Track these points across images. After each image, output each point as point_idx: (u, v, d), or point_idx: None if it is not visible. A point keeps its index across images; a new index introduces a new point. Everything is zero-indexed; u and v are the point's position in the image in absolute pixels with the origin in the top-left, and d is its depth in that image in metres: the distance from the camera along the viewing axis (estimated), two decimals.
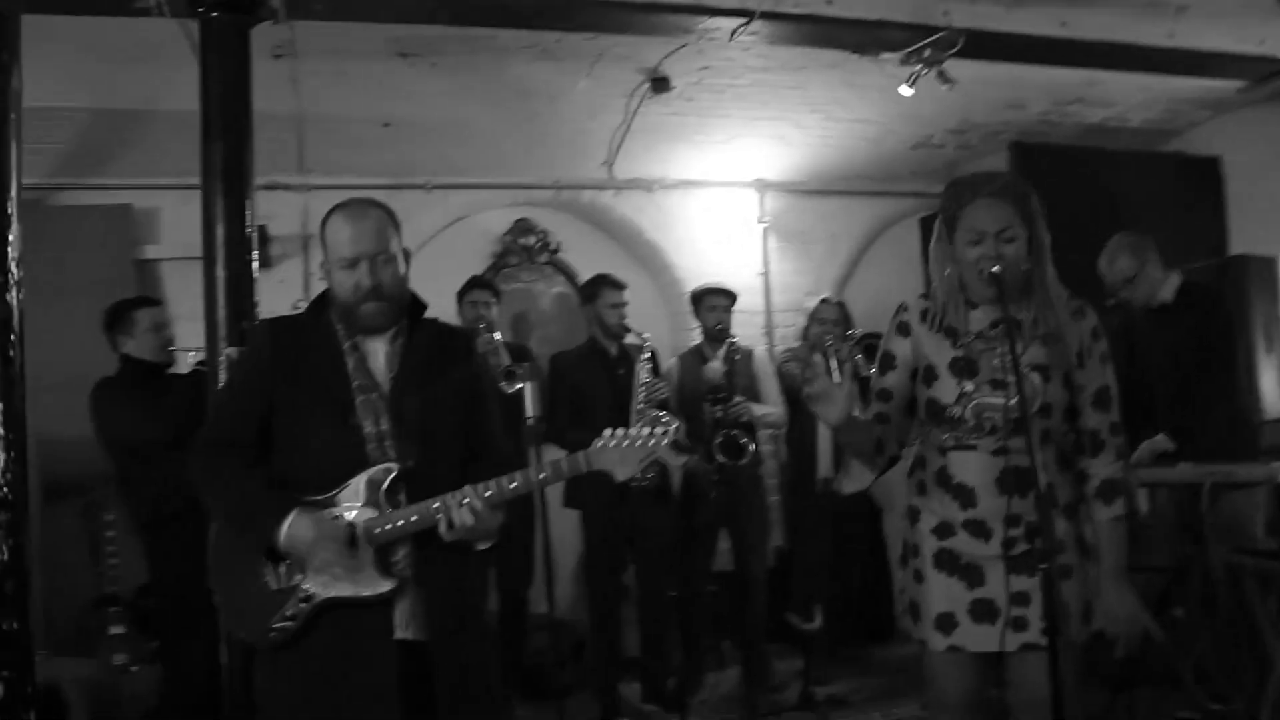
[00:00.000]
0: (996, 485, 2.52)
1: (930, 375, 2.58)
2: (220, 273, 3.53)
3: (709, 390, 4.97)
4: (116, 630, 4.35)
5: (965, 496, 2.55)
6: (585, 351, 5.04)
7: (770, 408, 5.21)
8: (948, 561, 2.57)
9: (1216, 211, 6.19)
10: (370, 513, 2.34)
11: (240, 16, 3.68)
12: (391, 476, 2.36)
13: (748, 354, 5.29)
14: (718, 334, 5.23)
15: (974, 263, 2.49)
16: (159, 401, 4.12)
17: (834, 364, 5.28)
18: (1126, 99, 5.90)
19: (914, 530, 2.67)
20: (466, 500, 2.30)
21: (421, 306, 2.59)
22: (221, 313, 3.47)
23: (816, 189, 6.77)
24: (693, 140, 6.02)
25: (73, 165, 5.48)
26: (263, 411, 2.42)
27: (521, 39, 4.51)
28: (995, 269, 2.42)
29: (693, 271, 6.41)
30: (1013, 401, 2.45)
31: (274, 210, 5.71)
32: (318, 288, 2.58)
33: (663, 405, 4.84)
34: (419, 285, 5.87)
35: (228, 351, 3.40)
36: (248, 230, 3.63)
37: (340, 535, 2.31)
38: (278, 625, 2.33)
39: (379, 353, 2.47)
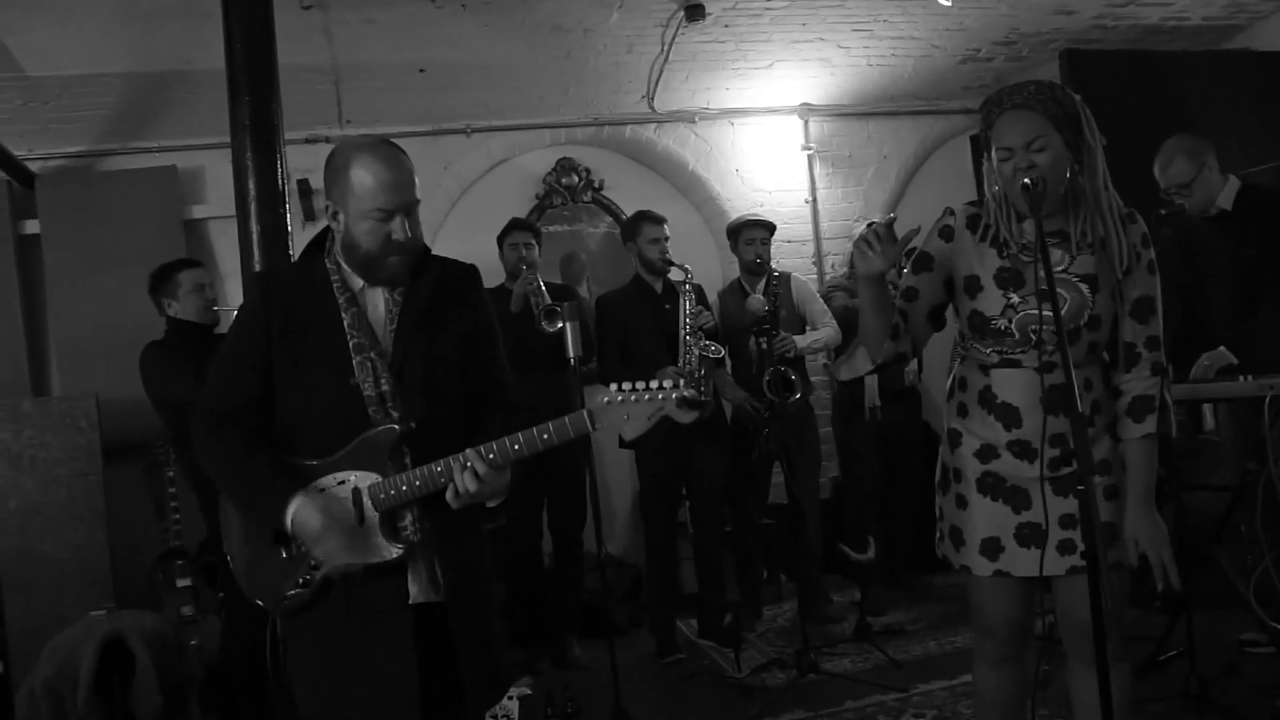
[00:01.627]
0: (1042, 404, 2.45)
1: (974, 286, 2.51)
2: (254, 227, 3.54)
3: (752, 324, 4.92)
4: (183, 583, 4.46)
5: (1010, 416, 2.49)
6: (630, 289, 5.01)
7: (818, 333, 5.16)
8: (992, 485, 2.52)
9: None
10: (373, 477, 2.27)
11: None
12: (394, 438, 2.27)
13: (786, 279, 5.24)
14: (757, 267, 5.18)
15: (1010, 177, 2.41)
16: (206, 361, 4.18)
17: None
18: None
19: (955, 454, 2.60)
20: (469, 465, 2.21)
21: (425, 250, 2.47)
22: (258, 268, 3.49)
23: (863, 111, 6.64)
24: (733, 68, 5.91)
25: (118, 130, 5.54)
26: (262, 371, 2.32)
27: None
28: (1027, 181, 2.33)
29: (738, 202, 6.37)
30: (1059, 312, 2.36)
31: (317, 163, 5.69)
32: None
33: (711, 335, 4.82)
34: (462, 230, 5.91)
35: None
36: (281, 184, 3.64)
37: (348, 512, 2.26)
38: (291, 593, 2.29)
39: (378, 303, 2.37)
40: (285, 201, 3.70)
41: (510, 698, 3.78)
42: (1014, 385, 2.49)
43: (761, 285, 5.11)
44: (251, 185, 3.59)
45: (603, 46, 5.41)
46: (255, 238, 3.53)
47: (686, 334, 4.75)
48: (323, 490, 2.28)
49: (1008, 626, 2.58)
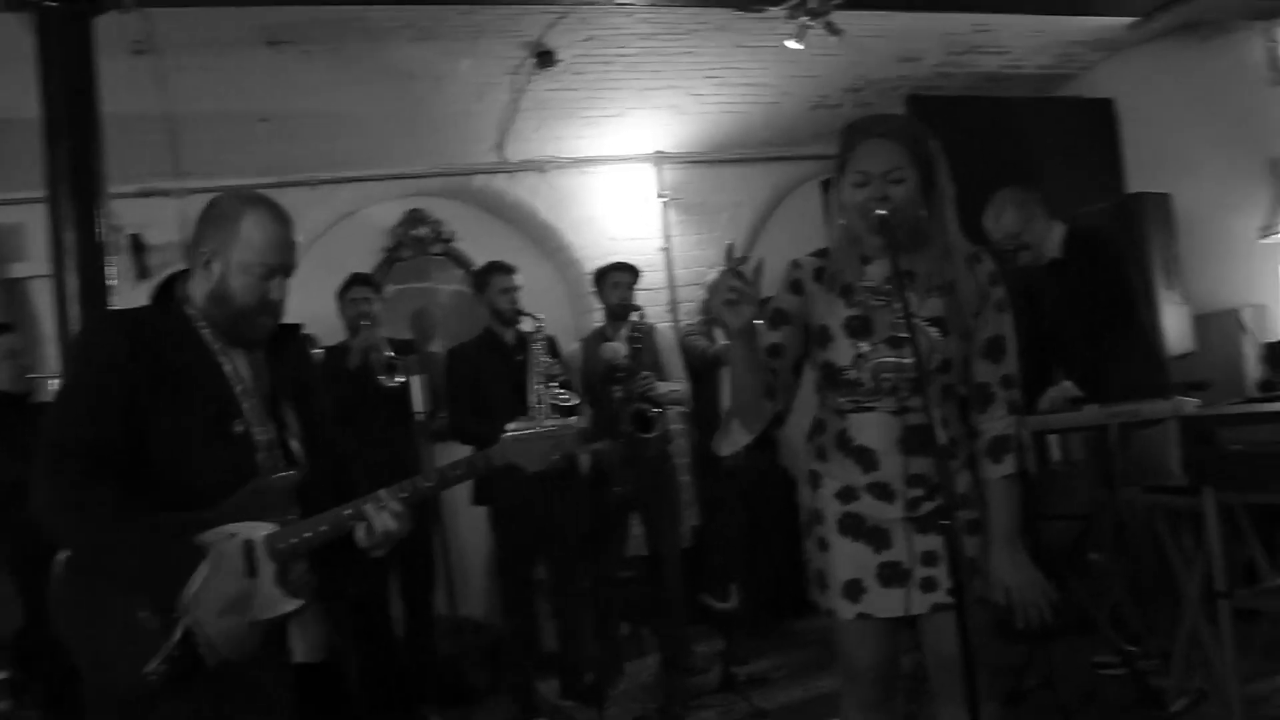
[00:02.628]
0: (898, 446, 2.44)
1: (824, 337, 2.49)
2: (72, 283, 3.32)
3: (609, 370, 4.88)
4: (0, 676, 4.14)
5: (867, 459, 2.47)
6: (482, 342, 4.91)
7: (675, 385, 5.15)
8: (853, 526, 2.49)
9: (1113, 152, 6.24)
10: (266, 527, 2.13)
11: (80, 4, 3.47)
12: (292, 484, 2.21)
13: (650, 331, 5.21)
14: (621, 311, 5.14)
15: (861, 206, 2.39)
16: (20, 432, 3.90)
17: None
18: (1019, 44, 5.93)
19: (816, 496, 2.57)
20: (385, 505, 2.16)
21: None
22: (76, 327, 3.27)
23: (716, 159, 6.69)
24: (585, 116, 5.91)
25: None
26: (125, 416, 2.10)
27: (394, 17, 4.37)
28: (881, 212, 2.33)
29: (592, 251, 6.32)
30: (910, 360, 2.38)
31: (150, 217, 5.50)
32: None
33: (564, 385, 4.75)
34: (308, 285, 5.71)
35: None
36: (100, 237, 3.43)
37: (236, 567, 2.09)
38: (156, 668, 2.03)
39: (241, 360, 2.28)
40: (107, 256, 3.49)
41: None
42: (870, 428, 2.47)
43: (624, 331, 5.07)
44: (69, 238, 3.36)
45: (453, 94, 5.35)
46: (72, 294, 3.30)
47: (538, 384, 4.67)
48: (208, 545, 2.11)
49: (874, 669, 2.54)
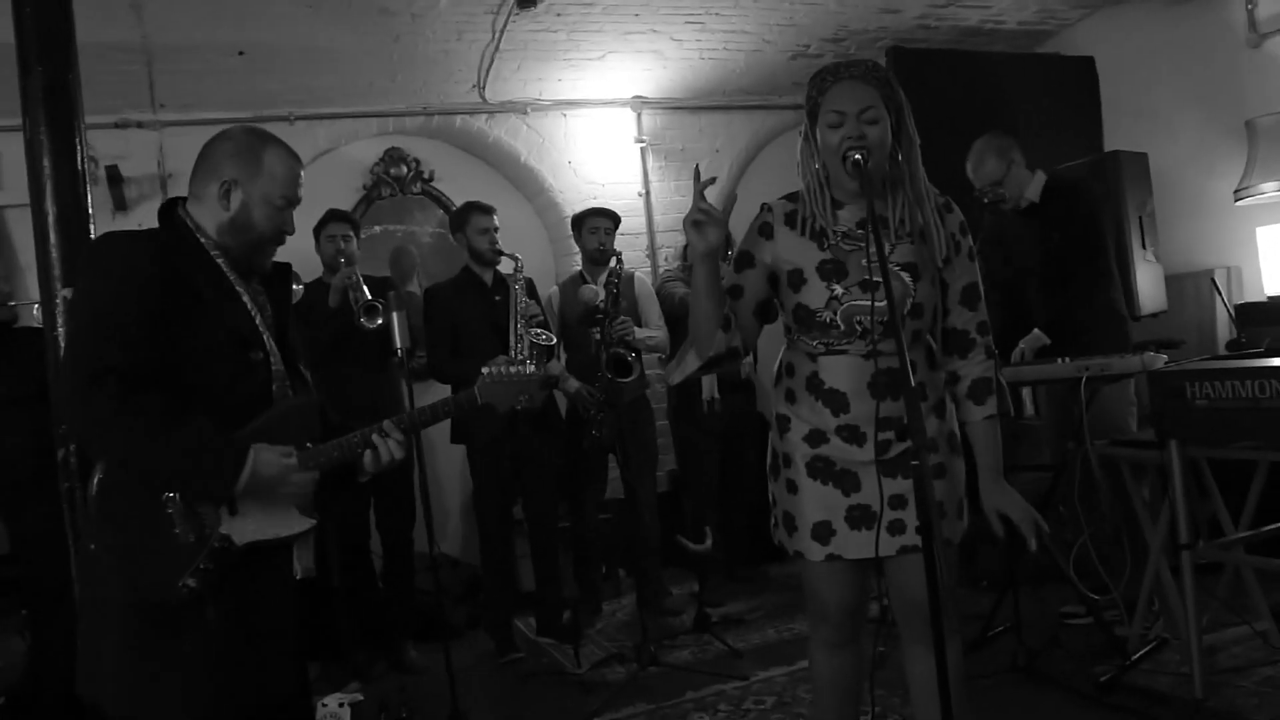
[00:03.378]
0: (869, 389, 2.47)
1: (797, 280, 2.51)
2: (50, 209, 3.28)
3: (587, 312, 4.88)
4: None
5: (837, 402, 2.50)
6: (460, 281, 4.91)
7: (653, 331, 5.16)
8: (822, 469, 2.53)
9: (1092, 111, 6.25)
10: (284, 449, 2.23)
11: None
12: (317, 407, 2.36)
13: (629, 277, 5.22)
14: (600, 256, 5.15)
15: (836, 147, 2.40)
16: (2, 359, 3.91)
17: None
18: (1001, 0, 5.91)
19: (784, 440, 2.60)
20: (389, 434, 2.35)
21: None
22: (55, 254, 3.24)
23: (696, 105, 6.68)
24: (566, 59, 5.85)
25: None
26: (152, 335, 2.12)
27: None
28: (857, 156, 2.35)
29: (572, 194, 6.34)
30: (881, 303, 2.40)
31: (128, 149, 5.45)
32: None
33: (542, 325, 4.76)
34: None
35: (64, 293, 3.18)
36: (81, 165, 3.39)
37: (277, 469, 2.21)
38: (189, 581, 2.13)
39: (251, 289, 2.37)
40: (86, 185, 3.44)
41: (341, 704, 3.63)
42: (841, 371, 2.50)
43: (603, 276, 5.07)
44: (46, 164, 3.31)
45: (431, 33, 5.28)
46: (51, 221, 3.26)
47: (518, 324, 4.67)
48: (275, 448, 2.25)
49: (842, 610, 2.60)
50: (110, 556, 2.16)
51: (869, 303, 2.44)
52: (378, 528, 4.81)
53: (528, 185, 6.46)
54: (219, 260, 2.29)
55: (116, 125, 5.30)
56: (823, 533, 2.53)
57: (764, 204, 2.58)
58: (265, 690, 2.25)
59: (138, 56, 5.01)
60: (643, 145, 6.58)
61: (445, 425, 4.81)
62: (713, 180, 2.36)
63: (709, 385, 5.37)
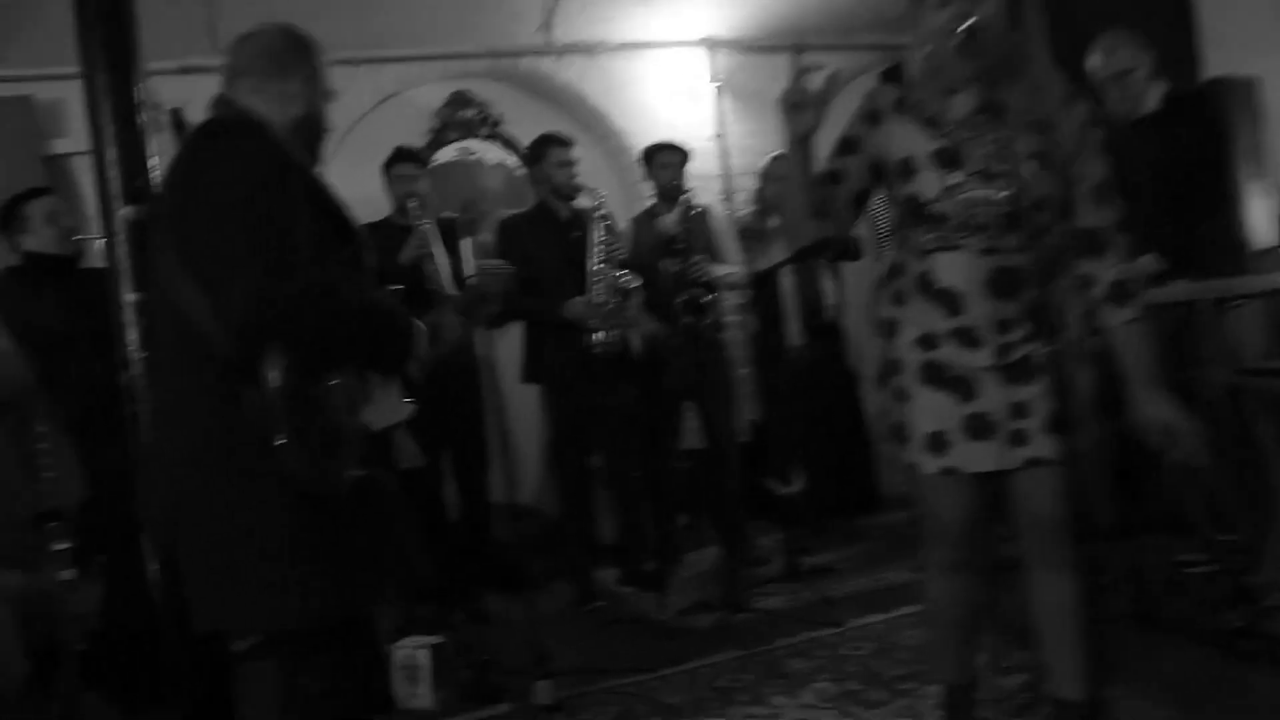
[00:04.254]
0: (986, 288, 2.27)
1: (907, 169, 2.31)
2: (111, 156, 3.13)
3: (664, 243, 4.66)
4: (60, 546, 4.06)
5: (951, 302, 2.30)
6: (534, 215, 4.74)
7: (730, 266, 4.95)
8: (935, 375, 2.33)
9: (1186, 34, 5.88)
10: None
11: None
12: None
13: (703, 212, 5.02)
14: (672, 192, 4.95)
15: (944, 28, 2.19)
16: (71, 294, 3.81)
17: None
18: None
19: (892, 345, 2.41)
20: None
21: None
22: (120, 203, 3.08)
23: (770, 44, 6.39)
24: None
25: None
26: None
27: None
28: (967, 26, 2.13)
29: (642, 138, 5.97)
30: (1003, 194, 2.20)
31: (189, 94, 5.28)
32: None
33: (622, 265, 4.57)
34: (351, 167, 5.55)
35: (122, 212, 3.05)
36: (138, 111, 3.24)
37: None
38: (356, 468, 2.07)
39: None
40: (147, 132, 3.29)
41: (419, 647, 3.49)
42: (955, 269, 2.29)
43: (676, 212, 4.86)
44: (105, 112, 3.18)
45: None
46: (113, 169, 3.10)
47: (599, 263, 4.49)
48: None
49: (959, 525, 2.39)
50: (289, 449, 1.95)
51: (987, 193, 2.22)
52: (454, 477, 4.66)
53: (597, 128, 6.26)
54: (294, 156, 2.16)
55: (179, 71, 5.18)
56: (937, 444, 2.32)
57: (871, 89, 2.38)
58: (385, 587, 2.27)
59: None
60: (717, 87, 6.34)
61: (514, 363, 4.67)
62: (817, 66, 2.16)
63: (791, 331, 5.14)
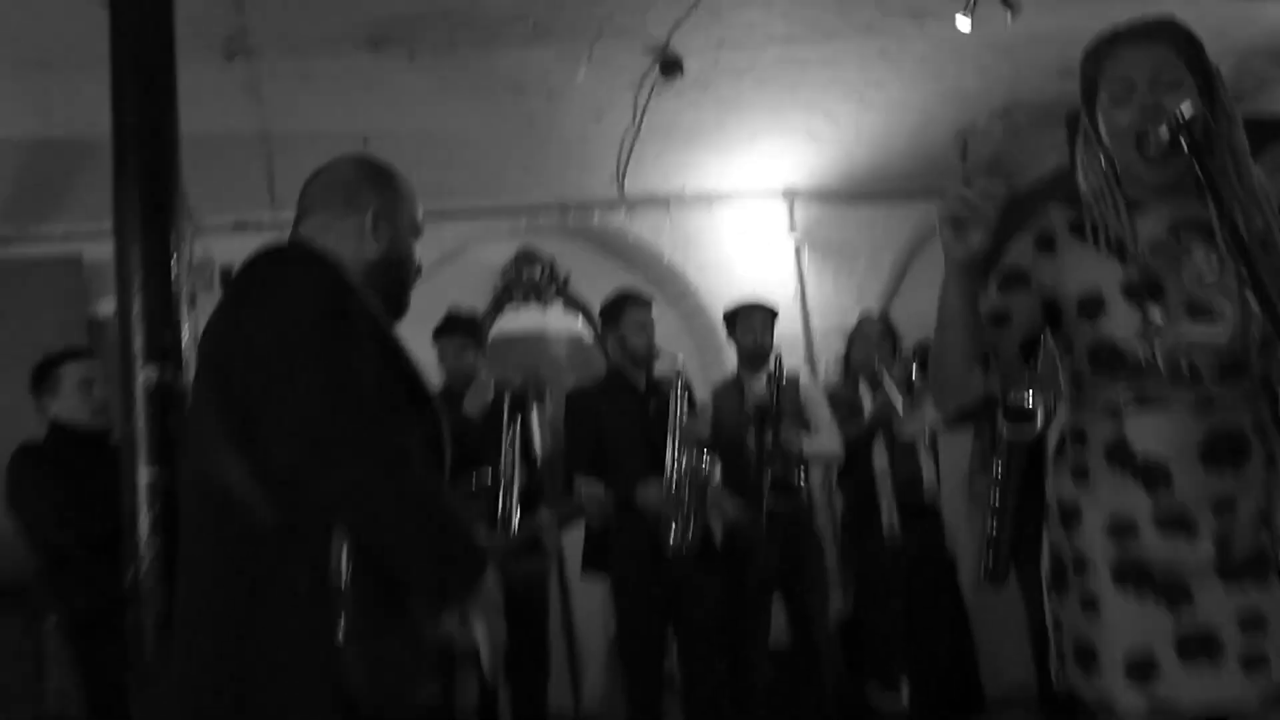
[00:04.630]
0: (1202, 456, 1.77)
1: (1093, 306, 1.84)
2: (138, 322, 2.74)
3: (754, 412, 4.16)
4: None
5: (1154, 477, 1.79)
6: (607, 385, 4.32)
7: (822, 440, 4.46)
8: (1135, 575, 1.80)
9: None
10: None
11: None
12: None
13: (794, 380, 4.59)
14: (758, 356, 4.54)
15: (1127, 127, 1.80)
16: (90, 479, 3.34)
17: (888, 384, 4.58)
18: None
19: (1074, 536, 1.88)
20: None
21: None
22: (140, 380, 2.69)
23: (853, 194, 6.07)
24: (711, 142, 5.37)
25: (13, 212, 4.86)
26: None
27: (505, 5, 3.85)
28: (1161, 129, 1.72)
29: (720, 296, 5.67)
30: (1222, 332, 1.73)
31: (244, 252, 5.03)
32: None
33: (703, 444, 4.10)
34: (414, 331, 5.20)
35: (145, 372, 2.66)
36: (173, 271, 2.85)
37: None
38: (429, 689, 1.82)
39: None
40: (190, 290, 2.92)
41: None
42: (1159, 432, 1.80)
43: (763, 378, 4.43)
44: (135, 270, 2.79)
45: (568, 114, 4.86)
46: (139, 336, 2.71)
47: (678, 443, 4.01)
48: None
49: None
50: (354, 673, 1.63)
51: (1202, 329, 1.75)
52: (507, 679, 4.08)
53: (671, 288, 5.91)
54: (374, 309, 1.86)
55: (234, 227, 4.94)
56: (1142, 670, 1.77)
57: (1043, 208, 1.93)
58: None
59: (256, 149, 4.66)
60: (796, 240, 5.99)
61: (577, 549, 4.17)
62: (995, 179, 1.70)
63: (888, 511, 4.60)
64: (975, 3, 3.60)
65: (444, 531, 1.66)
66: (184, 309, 2.86)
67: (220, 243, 4.95)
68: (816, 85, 4.95)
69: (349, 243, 1.90)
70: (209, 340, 1.79)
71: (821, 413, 4.59)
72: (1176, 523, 1.78)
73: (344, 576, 1.61)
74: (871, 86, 5.06)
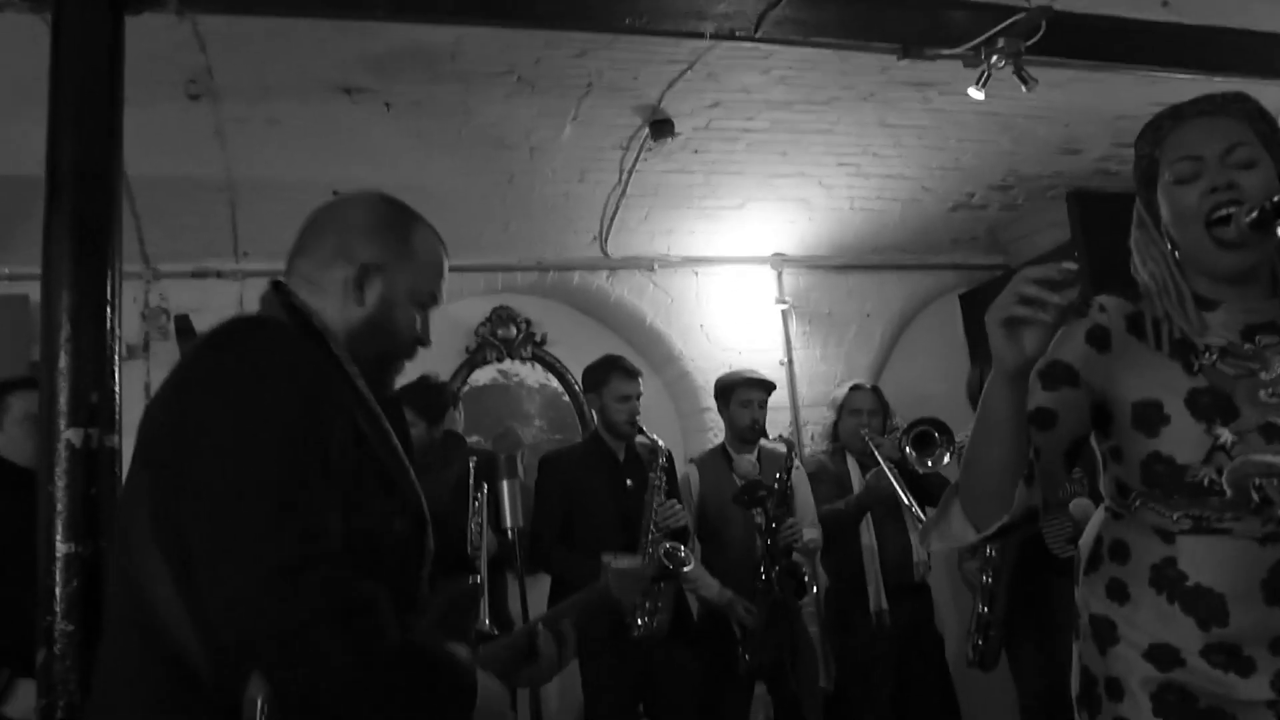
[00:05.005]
0: (1265, 590, 1.55)
1: (1152, 418, 1.61)
2: (63, 373, 2.45)
3: (746, 489, 3.91)
4: None
5: (1208, 608, 1.57)
6: (585, 451, 4.09)
7: (812, 532, 4.25)
8: (1179, 707, 1.58)
9: None
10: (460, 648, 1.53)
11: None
12: (476, 593, 1.86)
13: (798, 468, 4.39)
14: (752, 434, 4.33)
15: (1195, 208, 1.60)
16: (22, 522, 3.08)
17: (880, 459, 4.36)
18: None
19: (1108, 655, 1.66)
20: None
21: None
22: (63, 439, 2.38)
23: (844, 264, 5.90)
24: (700, 207, 5.18)
25: None
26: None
27: (493, 57, 3.64)
28: (1233, 212, 1.53)
29: (705, 363, 5.53)
30: None
31: (205, 300, 4.81)
32: None
33: (677, 535, 3.86)
34: None
35: (67, 435, 2.37)
36: (112, 326, 2.56)
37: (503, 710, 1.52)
38: None
39: None
40: (116, 358, 2.62)
41: None
42: (1217, 563, 1.58)
43: (750, 457, 4.20)
44: (63, 316, 2.49)
45: (551, 172, 4.64)
46: (64, 390, 2.42)
47: (653, 526, 3.79)
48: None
49: None
50: None
51: (1277, 457, 1.53)
52: None
53: (654, 352, 5.68)
54: (358, 381, 1.56)
55: (194, 274, 4.69)
56: None
57: (1096, 300, 1.72)
58: None
59: (220, 195, 4.42)
60: (784, 308, 5.78)
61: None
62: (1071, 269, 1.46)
63: (876, 591, 4.37)
64: (988, 75, 3.40)
65: (417, 681, 1.33)
66: (117, 366, 2.58)
67: (179, 290, 4.74)
68: (812, 153, 4.76)
69: (332, 300, 1.60)
70: (146, 422, 1.47)
71: (808, 500, 4.37)
72: (1230, 657, 1.56)
73: None
74: (868, 156, 4.89)
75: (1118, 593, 1.67)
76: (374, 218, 1.67)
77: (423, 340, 1.70)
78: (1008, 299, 1.41)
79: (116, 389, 2.53)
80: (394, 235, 1.66)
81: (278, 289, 1.61)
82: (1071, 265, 1.43)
